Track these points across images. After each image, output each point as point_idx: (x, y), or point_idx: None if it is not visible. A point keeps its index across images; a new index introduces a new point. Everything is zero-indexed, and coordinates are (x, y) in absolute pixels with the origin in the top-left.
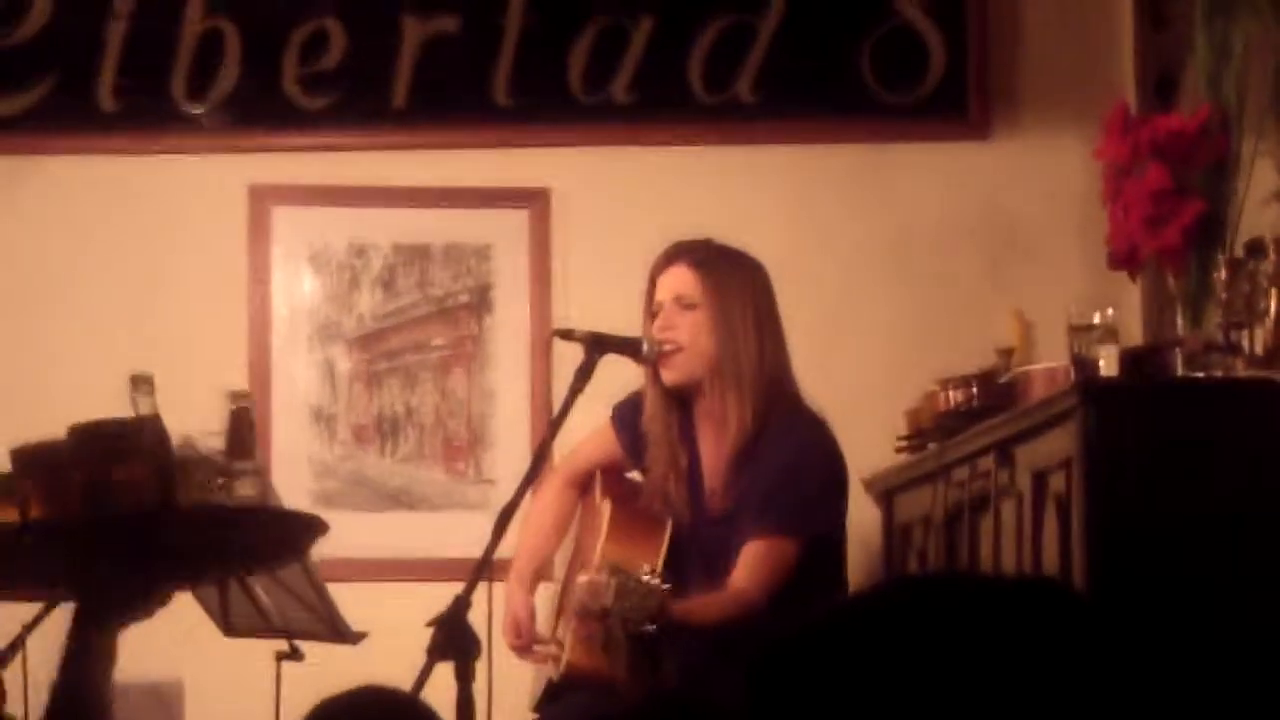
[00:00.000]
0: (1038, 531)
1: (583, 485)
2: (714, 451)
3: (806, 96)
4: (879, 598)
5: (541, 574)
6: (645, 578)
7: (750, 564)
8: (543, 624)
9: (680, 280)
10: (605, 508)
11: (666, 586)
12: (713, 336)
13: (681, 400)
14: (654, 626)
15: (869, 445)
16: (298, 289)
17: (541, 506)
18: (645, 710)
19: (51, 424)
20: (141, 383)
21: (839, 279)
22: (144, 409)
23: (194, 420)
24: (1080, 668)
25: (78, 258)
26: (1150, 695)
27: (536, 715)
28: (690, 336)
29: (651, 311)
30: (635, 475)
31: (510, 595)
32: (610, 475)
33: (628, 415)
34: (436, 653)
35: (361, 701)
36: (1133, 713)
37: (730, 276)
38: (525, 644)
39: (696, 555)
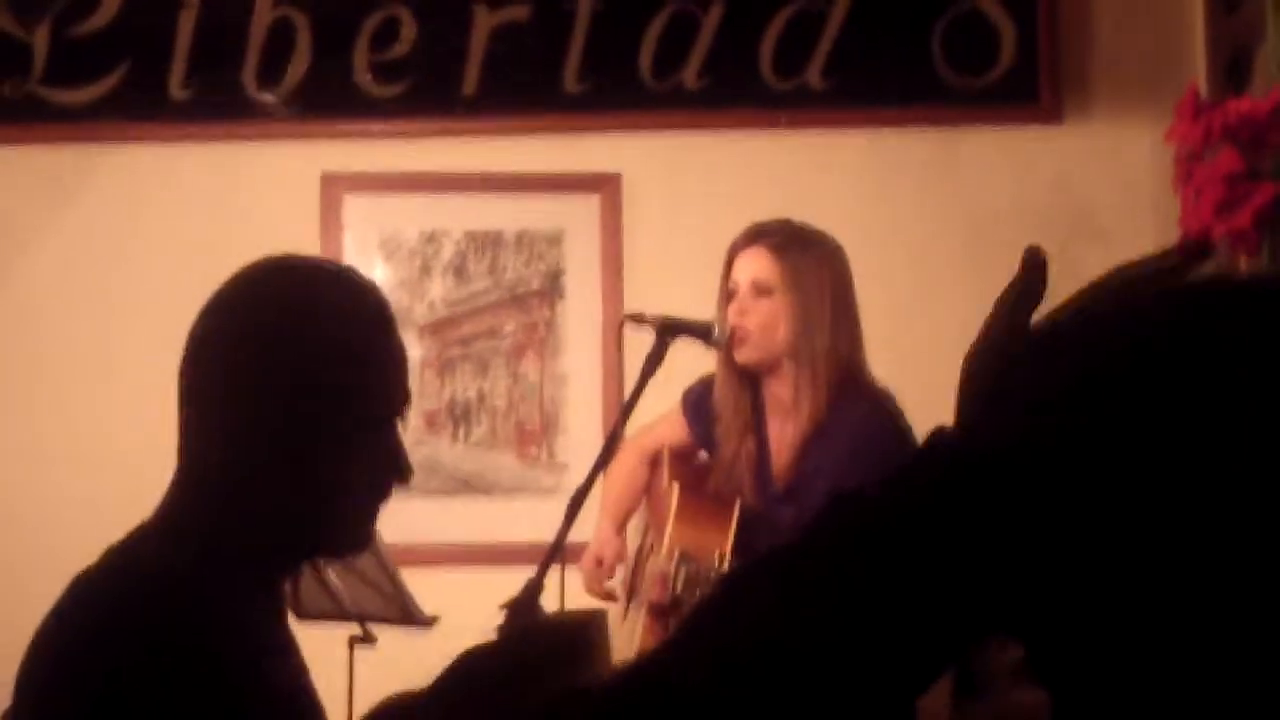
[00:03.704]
0: None
1: (652, 463)
2: (782, 434)
3: (877, 82)
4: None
5: (628, 520)
6: (714, 565)
7: None
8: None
9: (757, 264)
10: (673, 490)
11: None
12: (788, 325)
13: (751, 382)
14: None
15: None
16: (369, 276)
17: (620, 472)
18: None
19: (123, 413)
20: None
21: (910, 264)
22: None
23: None
24: None
25: (149, 247)
26: None
27: None
28: (762, 325)
29: (728, 291)
30: (702, 457)
31: (600, 530)
32: (677, 458)
33: (697, 400)
34: None
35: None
36: None
37: (808, 261)
38: (604, 575)
39: (765, 536)
